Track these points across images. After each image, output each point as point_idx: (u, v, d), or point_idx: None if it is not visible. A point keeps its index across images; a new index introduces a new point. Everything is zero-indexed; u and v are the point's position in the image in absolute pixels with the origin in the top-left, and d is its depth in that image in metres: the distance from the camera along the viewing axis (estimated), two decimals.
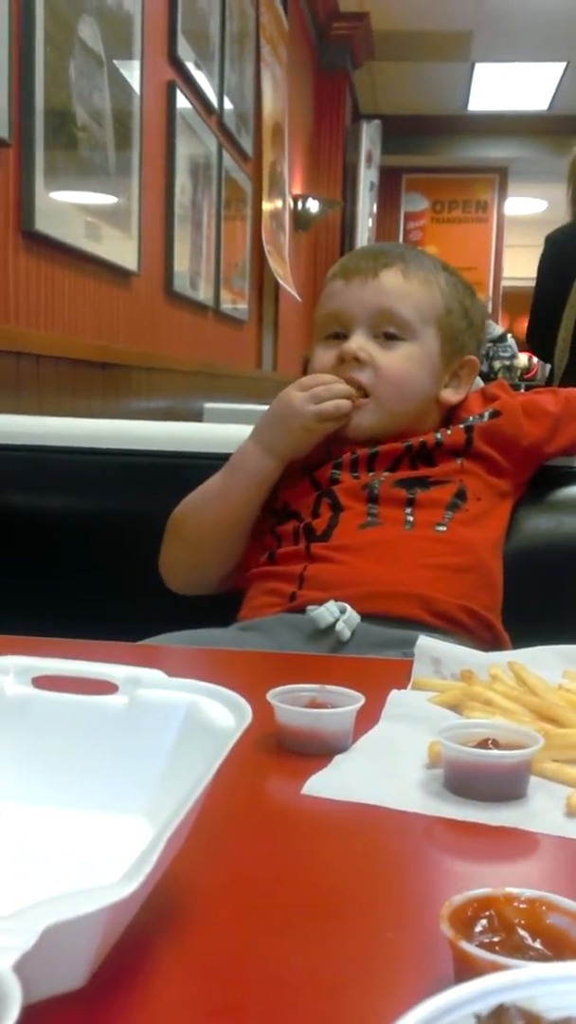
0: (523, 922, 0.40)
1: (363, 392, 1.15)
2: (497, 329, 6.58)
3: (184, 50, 3.14)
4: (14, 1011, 0.29)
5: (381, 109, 7.93)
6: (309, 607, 1.00)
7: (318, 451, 1.18)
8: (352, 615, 0.99)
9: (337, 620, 0.98)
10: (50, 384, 2.17)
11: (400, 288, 1.16)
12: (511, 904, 0.41)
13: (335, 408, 1.12)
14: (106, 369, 2.54)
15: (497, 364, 6.79)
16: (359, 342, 1.15)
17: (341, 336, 1.17)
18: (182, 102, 3.16)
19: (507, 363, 7.09)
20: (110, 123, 2.51)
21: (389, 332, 1.15)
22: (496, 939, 0.40)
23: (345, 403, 1.12)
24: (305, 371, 1.24)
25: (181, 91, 3.14)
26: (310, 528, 1.12)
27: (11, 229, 1.97)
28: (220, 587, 1.20)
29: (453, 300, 1.19)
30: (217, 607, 1.19)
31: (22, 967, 0.31)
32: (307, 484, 1.16)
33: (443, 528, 1.09)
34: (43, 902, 0.33)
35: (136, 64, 2.70)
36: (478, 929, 0.40)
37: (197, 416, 3.36)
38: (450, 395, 1.20)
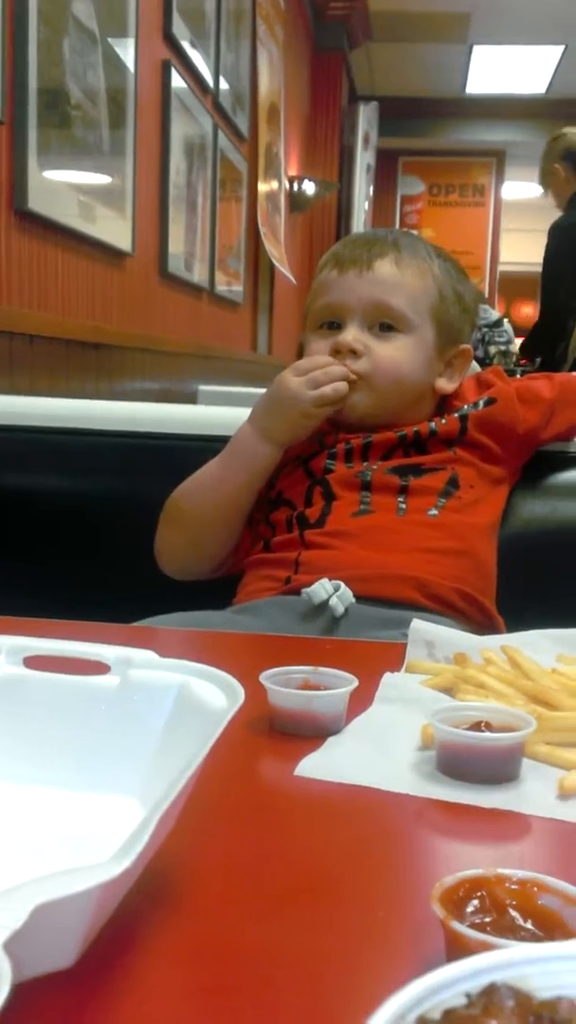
0: (515, 903, 0.41)
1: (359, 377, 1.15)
2: (493, 314, 6.56)
3: (179, 28, 3.11)
4: (4, 989, 0.29)
5: (378, 91, 7.87)
6: (304, 589, 1.00)
7: (311, 442, 1.18)
8: (346, 592, 0.99)
9: (331, 596, 0.98)
10: (43, 365, 2.16)
11: (394, 279, 1.15)
12: (503, 885, 0.41)
13: (333, 391, 1.11)
14: (100, 350, 2.53)
15: (493, 349, 6.78)
16: (354, 334, 1.14)
17: (335, 326, 1.17)
18: (177, 81, 3.13)
19: (503, 348, 7.08)
20: (104, 102, 2.48)
21: (384, 323, 1.15)
22: (487, 919, 0.40)
23: (343, 386, 1.12)
24: (299, 358, 1.23)
25: (176, 70, 3.11)
26: (303, 516, 1.12)
27: (3, 208, 1.96)
28: (215, 572, 1.20)
29: (447, 288, 1.18)
30: (212, 590, 1.19)
31: (12, 945, 0.31)
32: (301, 473, 1.16)
33: (435, 513, 1.09)
34: (34, 880, 0.33)
35: (131, 42, 2.67)
36: (469, 910, 0.40)
37: (191, 398, 3.35)
38: (444, 384, 1.19)
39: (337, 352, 1.14)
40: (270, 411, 1.15)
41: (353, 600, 0.99)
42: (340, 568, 1.03)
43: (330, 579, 1.00)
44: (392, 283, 1.15)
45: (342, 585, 0.99)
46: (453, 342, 1.19)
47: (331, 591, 0.99)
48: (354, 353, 1.13)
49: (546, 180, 3.32)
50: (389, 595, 1.02)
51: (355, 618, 0.98)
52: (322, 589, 0.98)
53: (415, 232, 1.28)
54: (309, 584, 1.00)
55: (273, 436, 1.15)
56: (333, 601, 0.98)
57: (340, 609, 0.98)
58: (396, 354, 1.14)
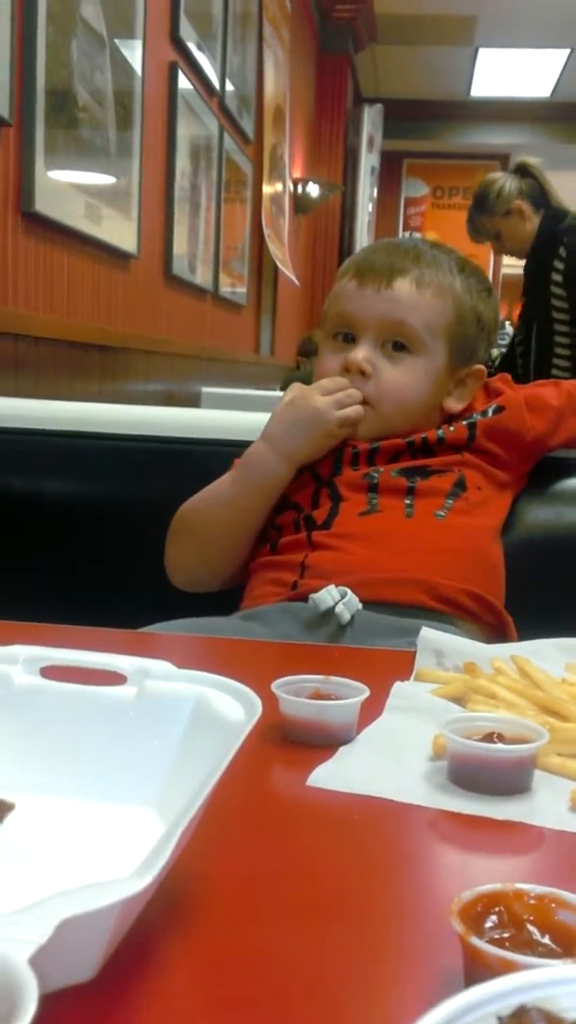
0: (532, 918, 0.41)
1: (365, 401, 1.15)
2: None
3: (186, 31, 3.11)
4: (32, 1005, 0.29)
5: (383, 93, 7.88)
6: (311, 596, 1.00)
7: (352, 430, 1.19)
8: (352, 599, 0.99)
9: (337, 603, 0.98)
10: (48, 366, 2.16)
11: (412, 299, 1.14)
12: (520, 900, 0.41)
13: (355, 413, 1.13)
14: (104, 352, 2.53)
15: (495, 352, 6.76)
16: (364, 353, 1.14)
17: (349, 338, 1.16)
18: (184, 83, 3.14)
19: (504, 350, 7.05)
20: (111, 104, 2.49)
21: (397, 342, 1.15)
22: (506, 935, 0.40)
23: (360, 411, 1.14)
24: (300, 354, 1.24)
25: (183, 72, 3.12)
26: (310, 518, 1.11)
27: (10, 209, 1.96)
28: (225, 585, 1.19)
29: (466, 307, 1.17)
30: (219, 593, 1.20)
31: (37, 960, 0.31)
32: (307, 477, 1.16)
33: (442, 514, 1.09)
34: (58, 895, 0.33)
35: (138, 44, 2.67)
36: (488, 925, 0.40)
37: (194, 400, 3.35)
38: (453, 403, 1.19)
39: (347, 370, 1.14)
40: (293, 430, 1.14)
41: (360, 607, 0.99)
42: (347, 572, 1.03)
43: (337, 585, 1.00)
44: (410, 304, 1.14)
45: (348, 592, 0.99)
46: (466, 362, 1.19)
47: (337, 598, 0.98)
48: (363, 374, 1.13)
49: (495, 226, 3.13)
50: (397, 599, 1.02)
51: (362, 625, 0.98)
52: (328, 596, 0.98)
53: (441, 244, 1.26)
54: (316, 589, 1.00)
55: (293, 455, 1.14)
56: (339, 608, 0.98)
57: (346, 616, 0.98)
58: (403, 379, 1.14)
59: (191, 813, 0.38)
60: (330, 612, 0.98)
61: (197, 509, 1.18)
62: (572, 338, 3.02)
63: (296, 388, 1.18)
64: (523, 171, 3.05)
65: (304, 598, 1.01)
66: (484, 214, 3.10)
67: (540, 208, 3.04)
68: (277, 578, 1.08)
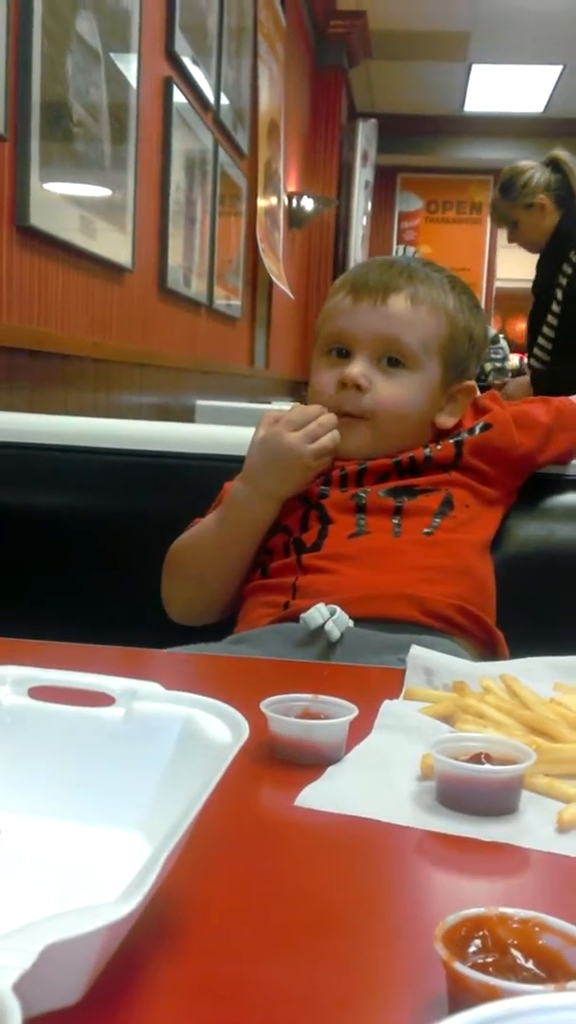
0: (516, 942, 0.41)
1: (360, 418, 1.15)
2: (490, 331, 6.59)
3: (181, 46, 3.13)
4: None
5: (377, 108, 7.92)
6: (301, 615, 1.00)
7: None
8: (342, 616, 0.99)
9: (327, 621, 0.98)
10: (43, 380, 2.16)
11: (407, 316, 1.15)
12: (504, 924, 0.41)
13: (331, 441, 1.12)
14: (99, 365, 2.53)
15: (488, 366, 6.80)
16: (360, 368, 1.14)
17: (343, 354, 1.17)
18: (179, 97, 3.15)
19: (499, 365, 7.09)
20: (106, 118, 2.50)
21: (392, 358, 1.15)
22: (489, 959, 0.40)
23: (337, 434, 1.13)
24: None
25: (178, 87, 3.13)
26: (300, 541, 1.12)
27: (5, 223, 1.96)
28: (223, 615, 1.19)
29: (458, 326, 1.18)
30: None
31: (21, 985, 0.31)
32: (296, 500, 1.16)
33: (429, 531, 1.10)
34: (42, 920, 0.33)
35: (133, 59, 2.69)
36: (472, 949, 0.40)
37: (189, 413, 3.35)
38: (444, 419, 1.20)
39: (343, 385, 1.14)
40: (269, 469, 1.13)
41: (350, 624, 0.99)
42: (338, 591, 1.03)
43: (326, 604, 1.00)
44: (405, 320, 1.15)
45: (338, 610, 0.99)
46: (458, 379, 1.20)
47: (327, 616, 0.98)
48: (358, 388, 1.14)
49: (516, 216, 3.13)
50: (387, 614, 1.02)
51: (352, 643, 0.98)
52: (318, 614, 0.98)
53: (432, 262, 1.27)
54: (307, 609, 1.00)
55: (274, 494, 1.14)
56: (329, 626, 0.98)
57: (336, 634, 0.98)
58: (399, 392, 1.15)
59: (177, 836, 0.38)
60: (320, 630, 0.98)
61: (186, 548, 1.18)
62: (553, 342, 3.02)
63: (266, 423, 1.15)
64: (555, 165, 3.02)
65: (294, 618, 1.01)
66: (507, 200, 3.09)
67: (563, 206, 3.02)
68: (269, 600, 1.08)
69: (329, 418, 1.13)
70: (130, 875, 0.39)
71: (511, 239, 3.26)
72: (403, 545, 1.09)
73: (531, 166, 3.05)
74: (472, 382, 1.22)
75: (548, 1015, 0.28)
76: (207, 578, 1.17)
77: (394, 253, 8.09)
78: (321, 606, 0.99)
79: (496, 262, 9.34)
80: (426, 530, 1.10)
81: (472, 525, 1.14)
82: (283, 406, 1.17)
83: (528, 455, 1.19)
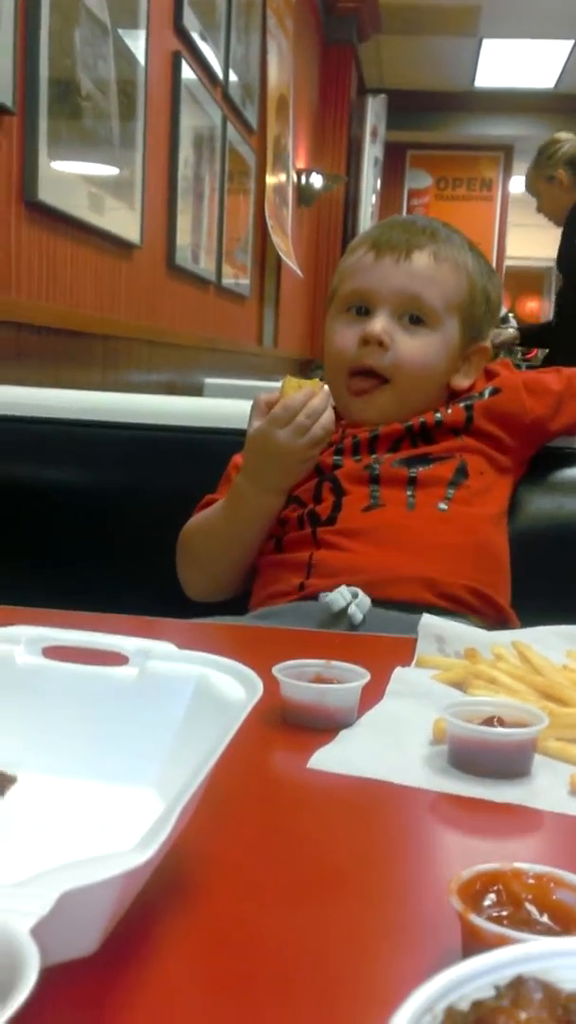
0: (531, 897, 0.41)
1: (381, 379, 1.14)
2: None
3: (190, 20, 3.10)
4: (32, 974, 0.29)
5: (387, 84, 7.84)
6: (321, 593, 1.00)
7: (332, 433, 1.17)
8: (364, 599, 0.99)
9: (350, 604, 0.98)
10: (51, 356, 2.16)
11: (430, 272, 1.14)
12: (519, 879, 0.41)
13: (323, 431, 1.08)
14: (107, 341, 2.53)
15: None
16: (383, 324, 1.13)
17: (363, 311, 1.16)
18: (187, 73, 3.13)
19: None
20: (114, 93, 2.48)
21: (413, 316, 1.14)
22: (504, 913, 0.40)
23: (329, 418, 1.08)
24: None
25: (186, 62, 3.11)
26: (314, 514, 1.11)
27: (13, 198, 1.96)
28: (238, 592, 1.19)
29: (478, 286, 1.18)
30: None
31: (38, 931, 0.31)
32: (310, 470, 1.16)
33: (444, 507, 1.09)
34: (60, 868, 0.33)
35: (141, 34, 2.66)
36: (486, 903, 0.40)
37: (198, 390, 3.35)
38: (460, 380, 1.19)
39: (365, 342, 1.13)
40: (266, 467, 1.11)
41: (370, 606, 0.99)
42: (352, 572, 1.03)
43: (347, 586, 1.00)
44: (428, 276, 1.14)
45: (360, 592, 0.99)
46: (474, 339, 1.19)
47: (349, 599, 0.99)
48: (381, 345, 1.13)
49: (539, 187, 3.17)
50: (402, 597, 1.02)
51: (372, 624, 0.99)
52: (341, 597, 0.98)
53: (449, 224, 1.25)
54: (323, 589, 1.01)
55: (276, 488, 1.13)
56: (352, 609, 0.98)
57: (359, 617, 0.98)
58: (421, 350, 1.14)
59: (191, 789, 0.38)
60: (342, 613, 0.98)
61: (197, 534, 1.18)
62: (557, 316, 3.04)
63: (258, 413, 1.10)
64: None
65: (313, 597, 1.02)
66: (533, 170, 3.10)
67: None
68: (284, 578, 1.08)
69: (318, 403, 1.07)
70: (144, 830, 0.39)
71: (537, 210, 3.26)
72: (417, 521, 1.08)
73: (566, 139, 3.04)
74: (487, 344, 1.21)
75: (562, 959, 0.28)
76: (219, 564, 1.17)
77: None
78: (344, 588, 0.99)
79: (506, 241, 9.27)
80: (441, 505, 1.09)
81: (487, 495, 1.13)
82: (301, 380, 1.14)
83: (539, 421, 1.19)
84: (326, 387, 1.10)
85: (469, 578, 1.05)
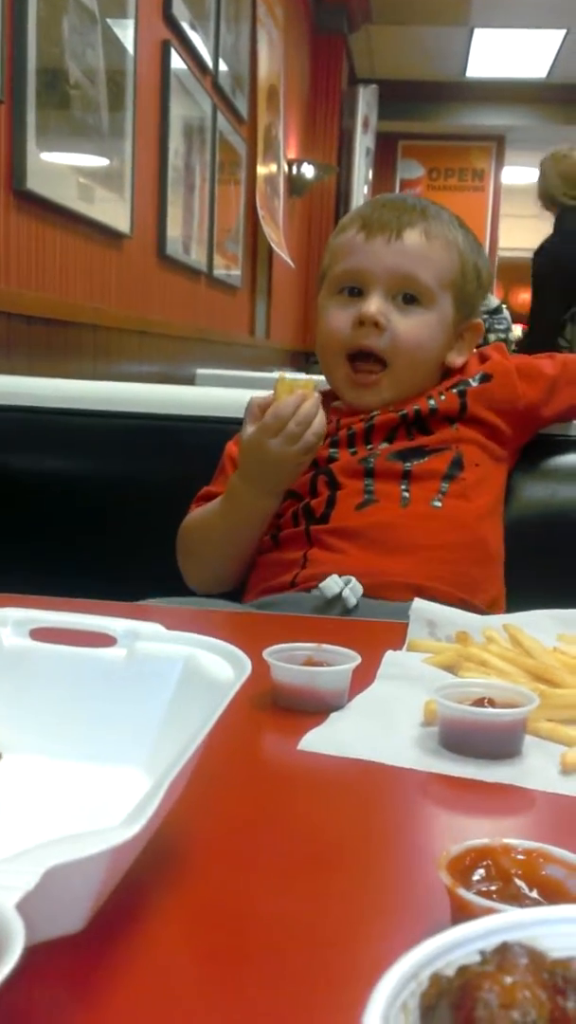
0: (520, 872, 0.41)
1: (381, 363, 1.14)
2: (493, 301, 6.55)
3: (179, 9, 3.09)
4: (17, 949, 0.29)
5: (378, 74, 7.82)
6: (319, 584, 1.00)
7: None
8: (356, 585, 1.00)
9: (343, 589, 0.98)
10: (41, 346, 2.15)
11: (423, 251, 1.13)
12: (509, 855, 0.41)
13: (316, 437, 1.05)
14: (97, 332, 2.52)
15: (492, 336, 6.74)
16: (378, 305, 1.12)
17: (355, 292, 1.15)
18: (177, 62, 3.11)
19: (502, 335, 7.04)
20: (103, 82, 2.47)
21: (407, 295, 1.14)
22: (493, 888, 0.40)
23: (321, 423, 1.05)
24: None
25: (176, 51, 3.09)
26: (309, 509, 1.11)
27: (2, 188, 1.94)
28: (236, 585, 1.19)
29: (469, 262, 1.17)
30: None
31: (24, 907, 0.31)
32: None
33: (438, 504, 1.09)
34: (46, 844, 0.33)
35: (130, 23, 2.65)
36: (475, 878, 0.40)
37: (189, 381, 3.34)
38: (454, 358, 1.19)
39: (361, 324, 1.13)
40: (262, 475, 1.09)
41: (362, 593, 1.00)
42: (344, 574, 1.03)
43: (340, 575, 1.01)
44: (420, 255, 1.13)
45: (352, 579, 1.00)
46: (467, 317, 1.19)
47: (342, 585, 0.99)
48: (376, 326, 1.12)
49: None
50: (392, 600, 1.02)
51: (364, 613, 0.99)
52: (334, 583, 0.99)
53: (436, 202, 1.25)
54: (316, 578, 1.01)
55: (271, 491, 1.12)
56: (346, 593, 0.99)
57: (352, 601, 0.98)
58: (418, 329, 1.14)
59: (179, 766, 0.38)
60: (337, 598, 0.99)
61: (195, 531, 1.18)
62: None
63: (251, 417, 1.07)
64: None
65: (304, 589, 1.02)
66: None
67: None
68: (278, 575, 1.08)
69: (308, 408, 1.04)
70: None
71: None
72: (410, 519, 1.08)
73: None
74: (479, 320, 1.21)
75: (550, 927, 0.28)
76: (217, 560, 1.17)
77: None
78: (336, 576, 1.00)
79: (499, 231, 9.26)
80: (435, 503, 1.09)
81: (482, 486, 1.13)
82: (286, 375, 1.12)
83: (532, 407, 1.19)
84: (317, 391, 1.08)
85: (458, 582, 1.05)
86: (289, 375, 1.12)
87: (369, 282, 1.14)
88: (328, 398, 1.23)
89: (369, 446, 1.14)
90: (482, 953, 0.25)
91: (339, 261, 1.17)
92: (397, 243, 1.13)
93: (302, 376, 1.13)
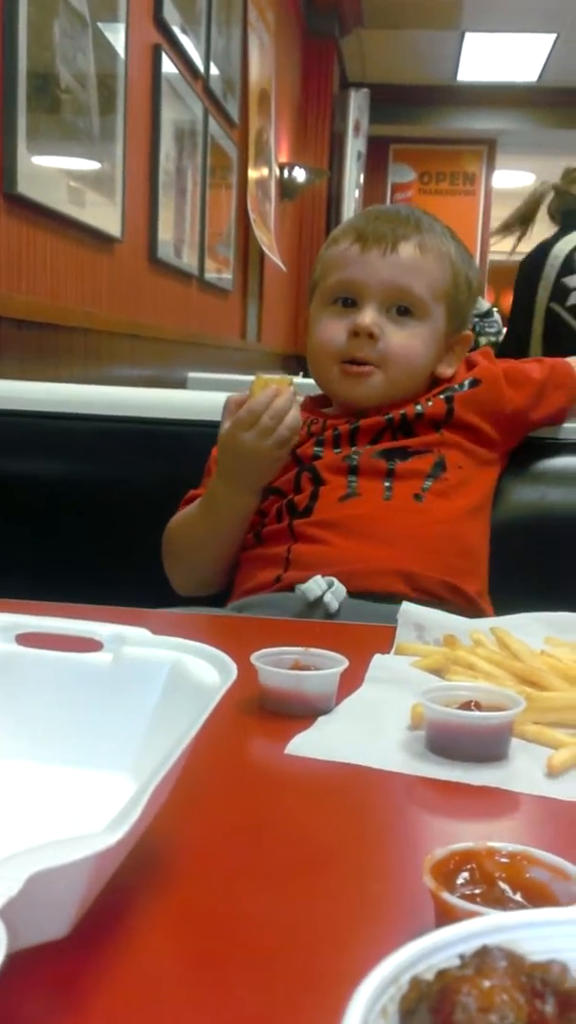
0: (504, 875, 0.41)
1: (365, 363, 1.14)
2: (484, 304, 6.56)
3: (170, 13, 3.09)
4: (0, 954, 0.29)
5: (369, 78, 7.83)
6: (297, 585, 1.00)
7: (300, 432, 1.18)
8: (339, 587, 0.99)
9: (325, 592, 0.98)
10: (32, 349, 2.15)
11: (417, 264, 1.14)
12: (492, 858, 0.41)
13: (289, 430, 1.07)
14: (88, 335, 2.52)
15: (483, 340, 6.76)
16: (372, 316, 1.13)
17: (349, 303, 1.16)
18: (168, 66, 3.12)
19: (493, 339, 7.06)
20: (94, 86, 2.47)
21: (401, 307, 1.14)
22: (477, 891, 0.40)
23: (293, 417, 1.07)
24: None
25: (167, 55, 3.09)
26: (292, 504, 1.12)
27: None
28: (221, 588, 1.19)
29: (461, 274, 1.18)
30: None
31: (7, 913, 0.31)
32: (290, 462, 1.16)
33: (420, 499, 1.09)
34: (29, 850, 0.33)
35: (121, 27, 2.65)
36: (459, 881, 0.41)
37: (180, 385, 3.33)
38: (444, 369, 1.20)
39: (355, 335, 1.13)
40: (239, 471, 1.11)
41: (345, 596, 1.00)
42: (329, 565, 1.04)
43: (323, 576, 1.00)
44: (415, 268, 1.14)
45: (335, 581, 1.00)
46: (458, 329, 1.20)
47: (325, 587, 0.99)
48: (371, 337, 1.13)
49: None
50: (378, 589, 1.02)
51: (348, 614, 0.99)
52: (316, 586, 0.99)
53: (428, 212, 1.25)
54: (299, 581, 1.01)
55: (249, 487, 1.13)
56: (328, 597, 0.98)
57: (334, 605, 0.98)
58: (411, 341, 1.14)
59: (163, 772, 0.38)
60: (318, 602, 0.98)
61: (179, 532, 1.18)
62: None
63: (228, 414, 1.10)
64: None
65: (289, 589, 1.02)
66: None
67: None
68: (262, 573, 1.08)
69: (282, 403, 1.06)
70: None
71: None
72: (392, 512, 1.08)
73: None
74: (469, 332, 1.22)
75: (530, 930, 0.28)
76: (201, 561, 1.17)
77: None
78: (319, 578, 1.00)
79: (490, 235, 9.28)
80: (417, 497, 1.10)
81: (464, 488, 1.13)
82: (263, 375, 1.13)
83: (520, 412, 1.19)
84: (292, 387, 1.09)
85: (444, 567, 1.06)
86: (266, 375, 1.13)
87: (363, 293, 1.14)
88: (316, 403, 1.24)
89: (354, 447, 1.14)
90: (461, 957, 0.25)
91: (332, 272, 1.17)
92: (392, 255, 1.14)
93: (277, 376, 1.14)
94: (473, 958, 0.25)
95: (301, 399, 1.12)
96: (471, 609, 1.08)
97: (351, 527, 1.07)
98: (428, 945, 0.26)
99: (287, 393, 1.07)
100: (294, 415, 1.07)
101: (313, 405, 1.24)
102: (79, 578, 1.28)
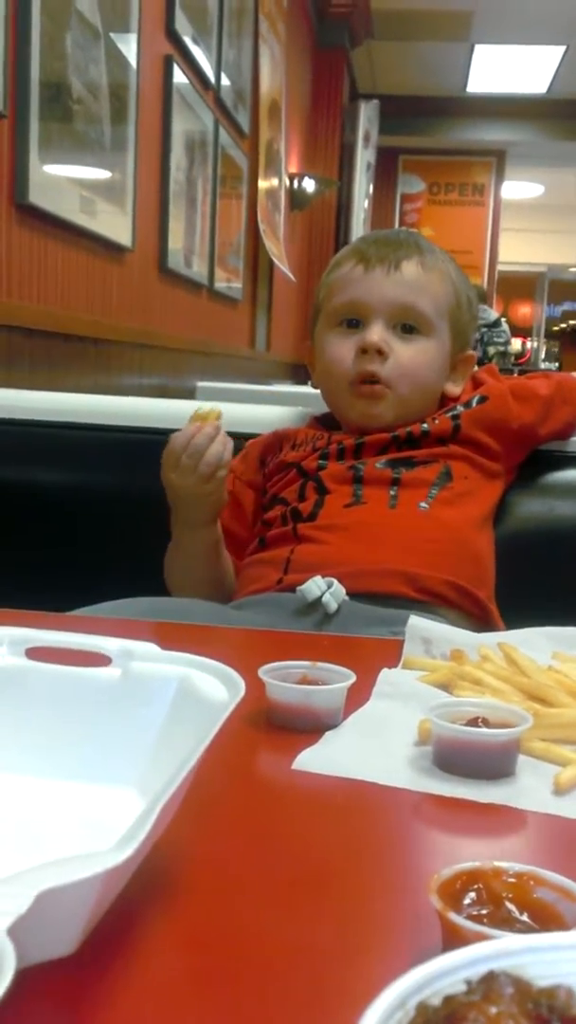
0: (511, 895, 0.41)
1: (377, 382, 1.15)
2: (492, 314, 6.57)
3: (182, 24, 3.11)
4: (8, 974, 0.29)
5: (379, 89, 7.86)
6: (299, 587, 1.00)
7: (304, 448, 1.18)
8: (338, 588, 0.99)
9: (324, 593, 0.98)
10: (42, 359, 2.16)
11: (420, 281, 1.16)
12: (499, 878, 0.41)
13: (208, 467, 1.06)
14: (99, 345, 2.53)
15: (492, 350, 6.77)
16: (379, 333, 1.14)
17: (355, 324, 1.16)
18: (179, 77, 3.13)
19: (501, 349, 7.07)
20: (106, 97, 2.48)
21: (407, 325, 1.15)
22: (484, 912, 0.40)
23: (216, 450, 1.06)
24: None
25: (178, 66, 3.11)
26: (297, 511, 1.12)
27: (4, 201, 1.96)
28: (227, 601, 1.20)
29: (462, 294, 1.20)
30: None
31: (16, 931, 0.31)
32: (294, 474, 1.17)
33: (425, 506, 1.10)
34: (38, 867, 0.33)
35: (133, 38, 2.67)
36: (466, 902, 0.41)
37: (190, 394, 3.35)
38: (452, 388, 1.21)
39: (364, 352, 1.14)
40: (178, 507, 1.13)
41: (345, 597, 1.00)
42: (331, 565, 1.04)
43: (323, 576, 1.00)
44: (418, 285, 1.15)
45: (335, 582, 1.00)
46: (462, 347, 1.21)
47: (324, 588, 0.99)
48: (380, 354, 1.13)
49: None
50: (379, 590, 1.02)
51: (347, 615, 0.99)
52: (315, 586, 0.99)
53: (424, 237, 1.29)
54: (300, 582, 1.01)
55: (199, 522, 1.14)
56: (326, 598, 0.98)
57: (333, 606, 0.98)
58: (418, 357, 1.15)
59: (172, 788, 0.38)
60: (317, 602, 0.99)
61: (167, 569, 1.20)
62: None
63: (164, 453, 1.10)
64: None
65: (290, 590, 1.02)
66: None
67: None
68: (264, 575, 1.09)
69: (200, 441, 1.06)
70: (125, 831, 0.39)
71: None
72: (397, 519, 1.09)
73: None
74: (472, 352, 1.23)
75: (535, 955, 0.28)
76: (193, 589, 1.17)
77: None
78: (318, 578, 1.00)
79: (499, 245, 9.29)
80: (422, 504, 1.10)
81: (470, 498, 1.14)
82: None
83: (527, 427, 1.19)
84: (218, 421, 1.09)
85: (448, 572, 1.06)
86: (207, 405, 1.11)
87: (369, 313, 1.15)
88: (320, 422, 1.25)
89: (358, 459, 1.15)
90: (468, 982, 0.25)
91: (337, 294, 1.18)
92: (396, 274, 1.15)
93: (208, 405, 1.12)
94: (480, 984, 0.25)
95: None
96: (479, 611, 1.08)
97: (355, 531, 1.08)
98: (434, 970, 0.26)
99: (208, 428, 1.07)
100: (214, 451, 1.06)
101: (318, 424, 1.25)
102: (83, 588, 1.29)
